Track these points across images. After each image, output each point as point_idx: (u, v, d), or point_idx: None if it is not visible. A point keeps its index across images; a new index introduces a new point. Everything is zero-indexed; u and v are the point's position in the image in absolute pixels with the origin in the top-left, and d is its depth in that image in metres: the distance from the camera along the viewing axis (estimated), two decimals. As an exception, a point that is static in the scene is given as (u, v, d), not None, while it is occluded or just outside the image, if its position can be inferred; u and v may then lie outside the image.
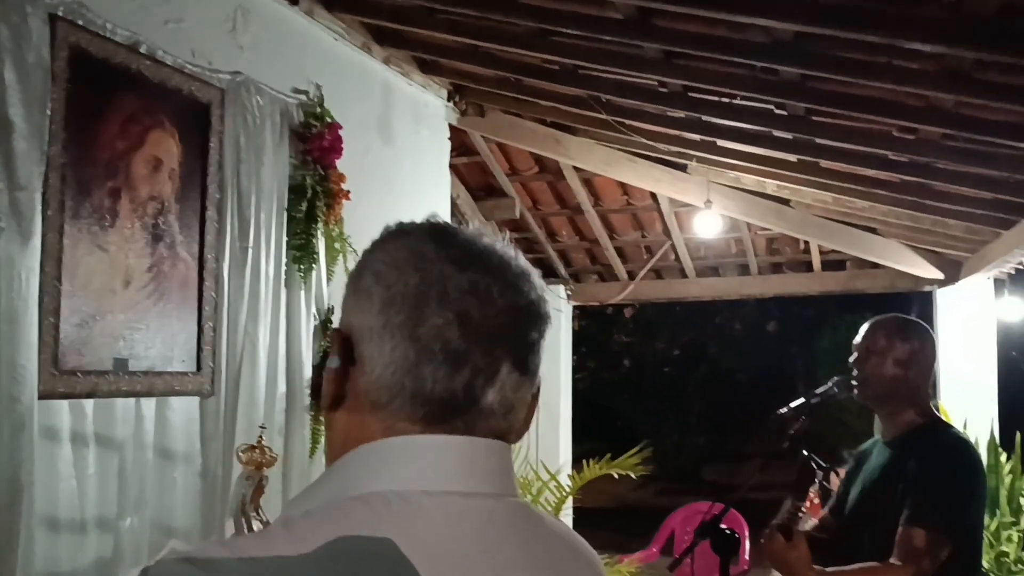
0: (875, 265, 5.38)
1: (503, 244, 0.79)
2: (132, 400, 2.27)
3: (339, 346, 0.76)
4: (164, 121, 2.39)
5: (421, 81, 3.87)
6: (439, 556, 0.69)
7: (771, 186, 4.56)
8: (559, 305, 6.15)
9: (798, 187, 4.30)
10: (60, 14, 2.06)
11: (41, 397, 1.97)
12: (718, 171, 4.49)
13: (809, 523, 2.14)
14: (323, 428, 0.81)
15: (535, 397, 0.80)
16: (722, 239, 5.60)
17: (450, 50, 3.52)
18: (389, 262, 0.76)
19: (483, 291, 0.74)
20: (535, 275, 0.79)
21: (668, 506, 6.87)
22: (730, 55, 2.56)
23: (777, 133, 3.42)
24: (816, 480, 2.16)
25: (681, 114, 3.43)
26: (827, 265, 5.72)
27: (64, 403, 2.06)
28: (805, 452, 2.20)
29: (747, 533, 5.51)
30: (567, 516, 5.89)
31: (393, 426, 0.73)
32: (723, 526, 2.42)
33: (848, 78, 2.50)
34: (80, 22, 2.12)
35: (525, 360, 0.76)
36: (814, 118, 3.05)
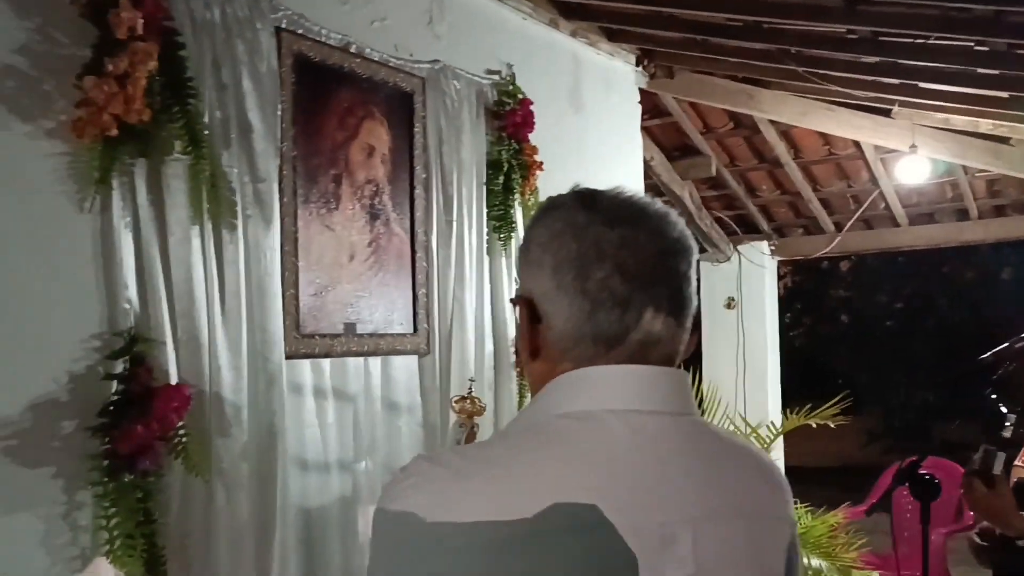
0: (1115, 202, 4.94)
1: (640, 195, 0.95)
2: (361, 359, 2.59)
3: (525, 309, 0.93)
4: (374, 111, 2.68)
5: (609, 49, 3.99)
6: (620, 462, 0.84)
7: (985, 125, 4.30)
8: (762, 261, 6.09)
9: (1016, 124, 4.03)
10: (284, 26, 2.37)
11: (287, 357, 2.31)
12: (924, 113, 4.29)
13: None
14: (527, 381, 1.01)
15: (696, 326, 0.96)
16: (936, 183, 5.33)
17: (634, 17, 3.62)
18: (549, 234, 0.92)
19: (632, 242, 0.90)
20: (673, 215, 0.94)
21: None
22: (914, -3, 2.50)
23: (981, 71, 3.25)
24: (1008, 424, 2.12)
25: (874, 59, 3.34)
26: (1058, 205, 5.31)
27: (306, 362, 2.40)
28: (994, 396, 2.17)
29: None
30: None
31: (580, 363, 0.90)
32: (922, 471, 2.43)
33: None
34: (300, 31, 2.43)
35: (680, 291, 0.92)
36: (1019, 51, 2.89)
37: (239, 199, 2.18)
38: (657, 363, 0.90)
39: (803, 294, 15.02)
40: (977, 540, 2.43)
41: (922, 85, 3.68)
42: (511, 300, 0.99)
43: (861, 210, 5.58)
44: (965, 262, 13.55)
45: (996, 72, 3.20)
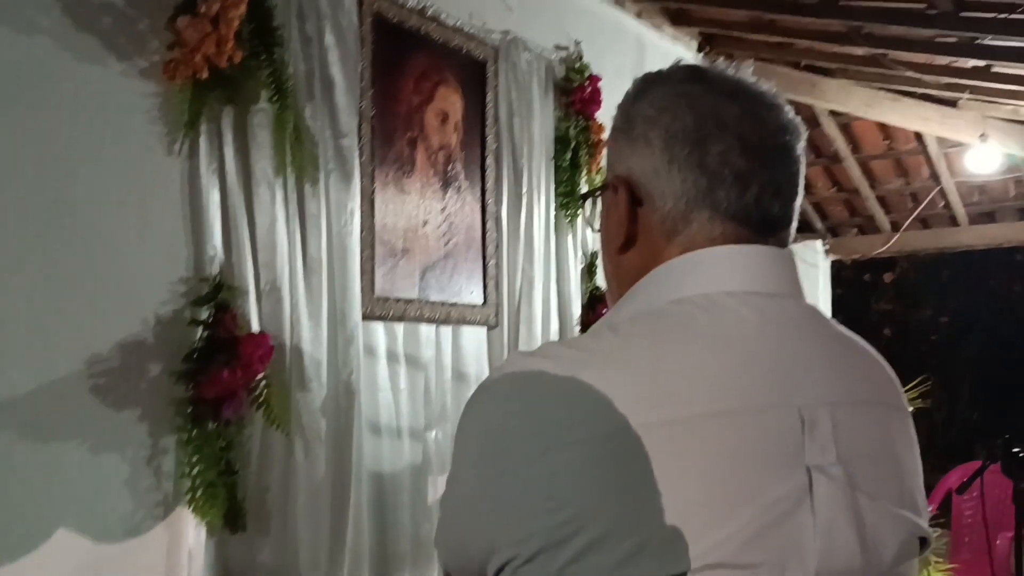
0: None
1: (752, 75, 0.88)
2: (433, 326, 2.54)
3: (625, 191, 0.85)
4: (449, 77, 2.65)
5: (672, 34, 3.94)
6: (750, 344, 0.76)
7: (1057, 116, 4.20)
8: (816, 261, 5.99)
9: (1091, 113, 3.93)
10: (365, -17, 2.36)
11: (363, 318, 2.27)
12: (992, 103, 4.19)
13: None
14: (611, 280, 0.92)
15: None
16: (999, 180, 5.21)
17: (702, -4, 3.57)
18: (659, 107, 0.84)
19: (753, 115, 0.83)
20: (781, 96, 0.88)
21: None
22: (1010, -42, 2.42)
23: (1064, 49, 3.17)
24: None
25: (953, 38, 3.26)
26: None
27: (380, 325, 2.37)
28: None
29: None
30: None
31: (691, 247, 0.82)
32: (1016, 449, 2.34)
33: None
34: (380, -9, 2.41)
35: (797, 173, 0.85)
36: (1109, 24, 2.81)
37: (321, 153, 2.16)
38: (774, 244, 0.84)
39: (844, 307, 14.75)
40: None
41: (996, 68, 3.59)
42: (582, 197, 0.89)
43: (921, 207, 5.46)
44: (1012, 275, 13.28)
45: (1080, 50, 3.11)
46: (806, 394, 0.76)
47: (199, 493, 1.83)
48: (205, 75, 1.84)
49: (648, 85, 0.88)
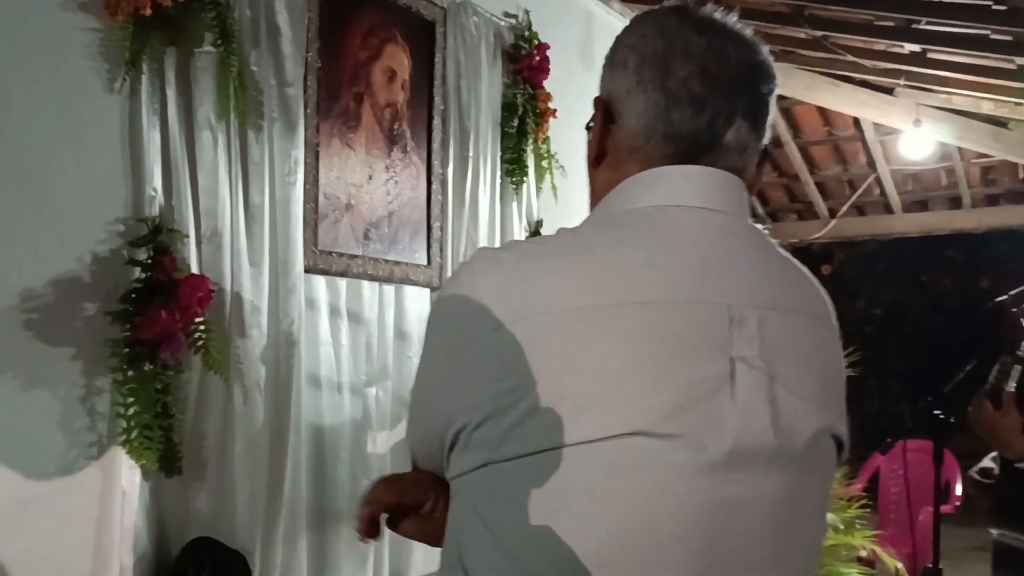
0: (1107, 192, 5.01)
1: (735, 19, 0.94)
2: (375, 285, 2.54)
3: (601, 109, 0.94)
4: (397, 36, 2.64)
5: (620, 9, 3.98)
6: (691, 248, 0.85)
7: (986, 106, 4.34)
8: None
9: (1019, 101, 4.07)
10: (313, -64, 2.34)
11: (305, 271, 2.27)
12: (927, 92, 4.32)
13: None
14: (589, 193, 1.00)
15: (764, 155, 0.95)
16: (932, 170, 5.37)
17: (650, -27, 3.61)
18: (639, 35, 0.93)
19: (719, 49, 0.90)
20: (763, 45, 0.94)
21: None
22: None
23: (995, 36, 3.28)
24: None
25: (890, 21, 3.35)
26: (1050, 195, 5.37)
27: (322, 279, 2.36)
28: (1015, 309, 2.15)
29: (958, 477, 5.32)
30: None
31: (648, 164, 0.90)
32: (937, 412, 2.43)
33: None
34: (329, -56, 2.40)
35: (756, 110, 0.92)
36: (1037, 10, 2.91)
37: (265, 101, 2.14)
38: (724, 169, 0.90)
39: (783, 298, 15.08)
40: (977, 477, 2.43)
41: (931, 55, 3.71)
42: (595, 99, 0.96)
43: (857, 194, 5.61)
44: (943, 271, 13.71)
45: (1010, 37, 3.22)
46: (737, 295, 0.84)
47: (134, 435, 1.81)
48: (148, 12, 1.82)
49: (636, 19, 0.96)
